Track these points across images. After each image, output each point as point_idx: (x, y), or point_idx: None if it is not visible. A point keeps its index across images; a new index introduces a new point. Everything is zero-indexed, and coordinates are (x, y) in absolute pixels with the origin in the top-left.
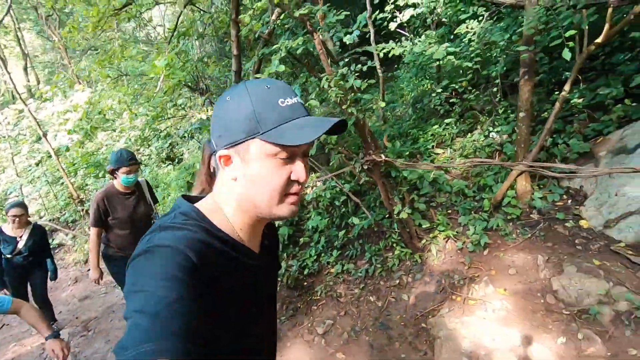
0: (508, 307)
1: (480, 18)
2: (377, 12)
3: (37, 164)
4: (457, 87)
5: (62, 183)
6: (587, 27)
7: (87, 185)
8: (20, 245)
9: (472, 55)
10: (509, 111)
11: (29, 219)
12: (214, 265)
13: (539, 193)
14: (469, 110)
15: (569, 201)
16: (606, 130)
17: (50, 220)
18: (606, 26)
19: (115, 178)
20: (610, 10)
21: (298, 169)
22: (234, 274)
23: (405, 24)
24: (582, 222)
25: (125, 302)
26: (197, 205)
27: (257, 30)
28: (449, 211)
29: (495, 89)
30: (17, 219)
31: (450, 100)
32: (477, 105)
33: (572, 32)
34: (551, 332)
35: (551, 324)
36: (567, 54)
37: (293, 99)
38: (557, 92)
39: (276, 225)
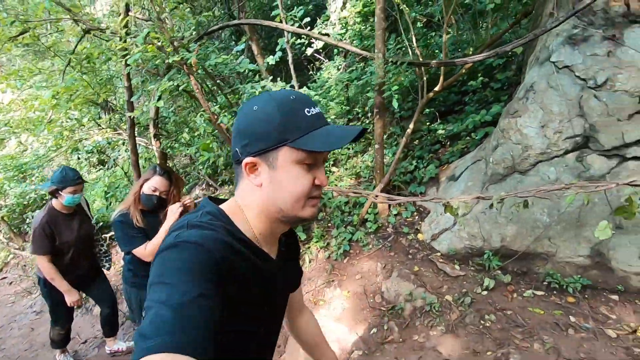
0: (345, 306)
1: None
2: (295, 38)
3: None
4: (359, 111)
5: None
6: (425, 79)
7: (5, 190)
8: None
9: (333, 96)
10: (395, 136)
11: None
12: (235, 267)
13: (394, 210)
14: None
15: (417, 217)
16: (451, 159)
17: None
18: (441, 79)
19: (57, 198)
20: (442, 67)
21: (321, 175)
22: (252, 276)
23: (322, 50)
24: (419, 236)
25: (148, 291)
26: (223, 206)
27: (146, 65)
28: (328, 225)
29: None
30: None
31: (351, 124)
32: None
33: (395, 87)
34: (368, 325)
35: (371, 318)
36: (395, 104)
37: (316, 109)
38: (429, 124)
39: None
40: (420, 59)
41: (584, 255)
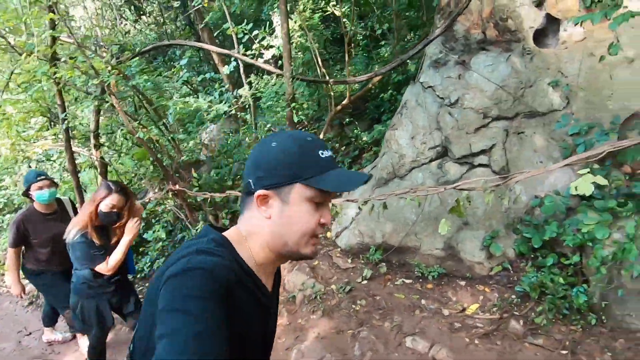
0: None
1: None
2: (245, 49)
3: None
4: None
5: None
6: (333, 95)
7: None
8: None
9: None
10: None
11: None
12: (240, 297)
13: None
14: None
15: (335, 218)
16: (366, 164)
17: None
18: (348, 94)
19: (32, 199)
20: (359, 81)
21: (326, 214)
22: (252, 304)
23: (271, 60)
24: (328, 234)
25: (159, 320)
26: (226, 234)
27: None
28: None
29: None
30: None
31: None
32: None
33: (294, 103)
34: None
35: None
36: (295, 118)
37: (329, 152)
38: (356, 131)
39: None
40: (328, 77)
41: (439, 248)
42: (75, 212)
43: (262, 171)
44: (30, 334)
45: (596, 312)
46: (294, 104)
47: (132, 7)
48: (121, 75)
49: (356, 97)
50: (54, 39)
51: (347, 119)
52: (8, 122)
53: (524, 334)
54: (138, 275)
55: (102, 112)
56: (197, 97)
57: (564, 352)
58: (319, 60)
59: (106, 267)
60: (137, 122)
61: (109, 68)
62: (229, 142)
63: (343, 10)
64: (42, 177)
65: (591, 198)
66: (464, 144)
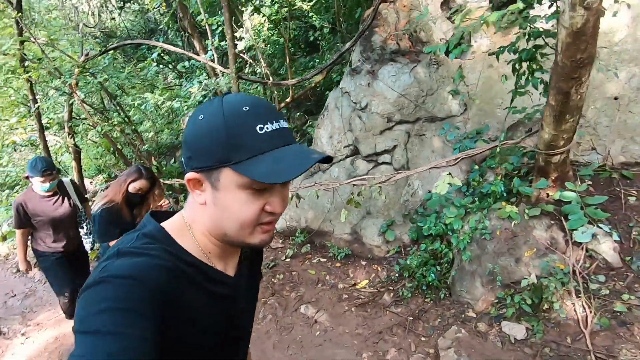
0: None
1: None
2: (220, 39)
3: None
4: None
5: None
6: (276, 94)
7: None
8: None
9: None
10: None
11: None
12: (179, 293)
13: None
14: None
15: None
16: None
17: None
18: (291, 93)
19: (32, 183)
20: (291, 84)
21: (274, 201)
22: (204, 300)
23: (245, 50)
24: None
25: (74, 338)
26: (165, 224)
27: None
28: None
29: None
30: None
31: None
32: None
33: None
34: None
35: None
36: None
37: (274, 124)
38: (306, 125)
39: None
40: (271, 79)
41: (347, 233)
42: (78, 193)
43: (190, 150)
44: (15, 295)
45: (446, 288)
46: None
47: None
48: (86, 73)
49: (298, 96)
50: (22, 43)
51: (299, 113)
52: None
53: (389, 304)
54: None
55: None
56: (181, 84)
57: (411, 318)
58: (263, 63)
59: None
60: (103, 114)
61: (76, 68)
62: None
63: (311, 4)
64: (48, 171)
65: (466, 195)
66: (370, 144)
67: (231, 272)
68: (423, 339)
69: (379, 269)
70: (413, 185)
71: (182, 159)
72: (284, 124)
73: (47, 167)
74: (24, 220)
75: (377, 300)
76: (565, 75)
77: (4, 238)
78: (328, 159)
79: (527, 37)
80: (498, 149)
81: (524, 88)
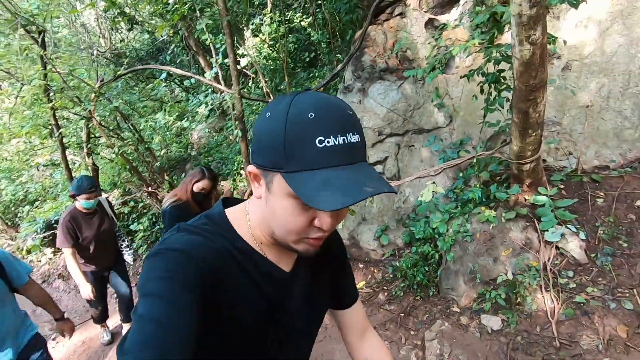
0: None
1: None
2: (224, 58)
3: None
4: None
5: None
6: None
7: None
8: None
9: None
10: None
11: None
12: (226, 276)
13: None
14: None
15: None
16: None
17: None
18: None
19: (76, 201)
20: None
21: (324, 219)
22: (247, 286)
23: (247, 67)
24: None
25: (138, 299)
26: (228, 210)
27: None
28: None
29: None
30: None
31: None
32: None
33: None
34: None
35: None
36: (239, 133)
37: (338, 138)
38: None
39: None
40: (271, 96)
41: (345, 238)
42: (112, 209)
43: (254, 144)
44: None
45: (434, 286)
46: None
47: (126, 19)
48: (102, 98)
49: None
50: (45, 75)
51: None
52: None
53: (383, 303)
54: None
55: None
56: (189, 98)
57: (402, 314)
58: (263, 80)
59: None
60: (118, 135)
61: (92, 94)
62: (213, 140)
63: (308, 21)
64: (93, 189)
65: (456, 201)
66: None
67: (286, 267)
68: (412, 332)
69: (375, 270)
70: (405, 192)
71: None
72: (354, 138)
73: (92, 185)
74: (74, 238)
75: (372, 299)
76: (522, 97)
77: (29, 251)
78: (386, 191)
79: (493, 62)
80: (475, 159)
81: (492, 106)
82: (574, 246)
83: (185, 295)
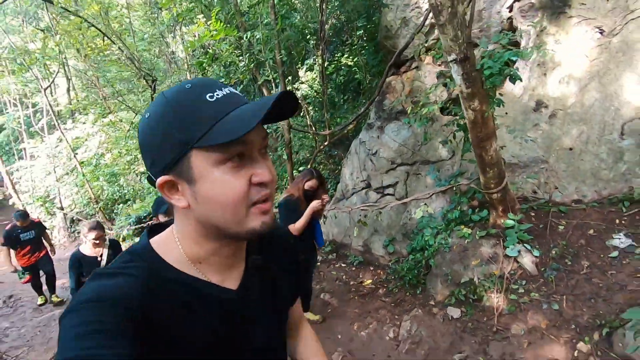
0: None
1: None
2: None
3: (71, 171)
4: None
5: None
6: (317, 139)
7: (104, 190)
8: (103, 264)
9: None
10: None
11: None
12: (156, 311)
13: None
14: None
15: None
16: None
17: (76, 212)
18: (328, 138)
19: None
20: (326, 134)
21: (258, 169)
22: (186, 318)
23: (302, 98)
24: None
25: None
26: (153, 239)
27: None
28: None
29: None
30: (98, 241)
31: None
32: None
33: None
34: None
35: None
36: (285, 155)
37: (223, 90)
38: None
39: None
40: (314, 128)
41: (360, 245)
42: None
43: (149, 154)
44: None
45: (422, 286)
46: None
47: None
48: None
49: (334, 138)
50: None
51: (337, 151)
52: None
53: (381, 295)
54: None
55: None
56: None
57: (392, 304)
58: (308, 115)
59: (294, 227)
60: None
61: None
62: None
63: (354, 61)
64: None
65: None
66: (379, 180)
67: (232, 285)
68: (396, 316)
69: (381, 272)
70: (410, 211)
71: (148, 172)
72: (233, 90)
73: None
74: None
75: (374, 293)
76: (476, 144)
77: (124, 239)
78: (291, 97)
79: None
80: (454, 188)
81: (466, 149)
82: (528, 261)
83: (116, 342)
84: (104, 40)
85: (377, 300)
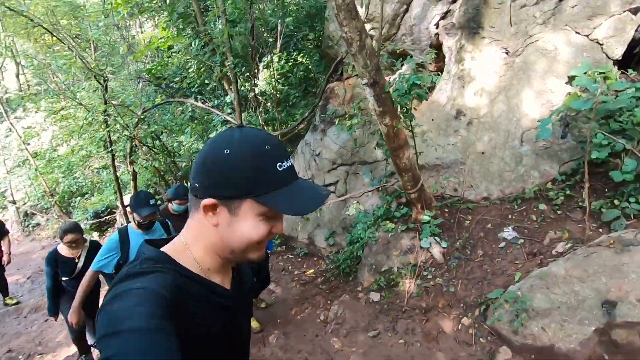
0: None
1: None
2: (241, 87)
3: (23, 163)
4: None
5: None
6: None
7: (59, 182)
8: (79, 265)
9: None
10: None
11: (83, 237)
12: (188, 304)
13: None
14: None
15: None
16: None
17: (30, 206)
18: (279, 137)
19: (170, 203)
20: (278, 134)
21: (279, 225)
22: (208, 311)
23: (260, 95)
24: None
25: (99, 349)
26: (164, 248)
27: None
28: None
29: None
30: (74, 244)
31: None
32: None
33: None
34: None
35: None
36: None
37: (287, 162)
38: None
39: None
40: (265, 128)
41: (305, 238)
42: None
43: (211, 179)
44: None
45: (354, 274)
46: None
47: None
48: (143, 123)
49: (285, 138)
50: (105, 110)
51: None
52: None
53: (320, 283)
54: None
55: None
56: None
57: (327, 291)
58: (262, 115)
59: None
60: (153, 151)
61: (136, 120)
62: None
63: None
64: (187, 197)
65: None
66: (321, 179)
67: (227, 285)
68: (328, 301)
69: (322, 262)
70: (349, 207)
71: (195, 184)
72: (292, 162)
73: (186, 193)
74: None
75: (313, 281)
76: (391, 152)
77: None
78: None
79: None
80: (379, 188)
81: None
82: (437, 251)
83: (158, 327)
84: (52, 37)
85: (315, 288)
